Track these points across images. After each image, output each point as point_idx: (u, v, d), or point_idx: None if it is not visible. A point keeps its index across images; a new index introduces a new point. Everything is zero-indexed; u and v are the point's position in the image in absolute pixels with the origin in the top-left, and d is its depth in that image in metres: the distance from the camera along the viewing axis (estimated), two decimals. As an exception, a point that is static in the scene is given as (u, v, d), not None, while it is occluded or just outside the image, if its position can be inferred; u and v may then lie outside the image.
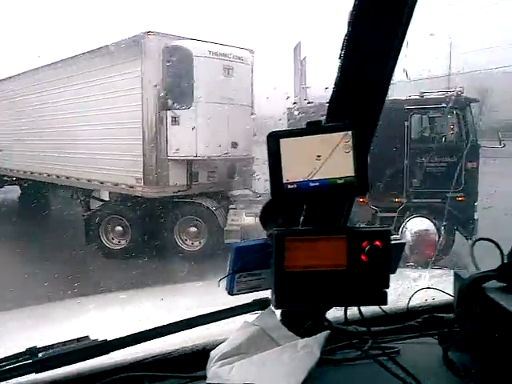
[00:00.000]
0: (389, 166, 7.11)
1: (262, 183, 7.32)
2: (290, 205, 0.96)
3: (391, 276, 1.29)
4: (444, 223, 6.29)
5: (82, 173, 9.12)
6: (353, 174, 0.88)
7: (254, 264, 0.97)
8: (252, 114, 8.50)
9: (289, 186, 0.89)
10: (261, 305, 1.02)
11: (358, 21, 0.89)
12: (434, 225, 2.47)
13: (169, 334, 0.99)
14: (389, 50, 0.93)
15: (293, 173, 0.89)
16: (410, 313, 1.36)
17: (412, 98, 7.72)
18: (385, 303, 0.93)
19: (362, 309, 1.40)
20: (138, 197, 8.10)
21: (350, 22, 0.90)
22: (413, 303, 1.39)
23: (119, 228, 8.36)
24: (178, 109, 7.84)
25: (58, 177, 9.98)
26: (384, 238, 0.89)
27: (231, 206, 8.34)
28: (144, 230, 8.01)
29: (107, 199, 9.13)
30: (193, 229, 8.21)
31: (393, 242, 1.29)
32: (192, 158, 8.03)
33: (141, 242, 7.86)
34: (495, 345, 0.78)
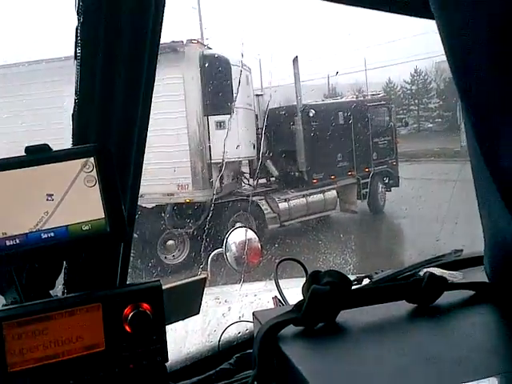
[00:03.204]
0: (360, 146, 9.59)
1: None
2: (20, 268, 0.67)
3: (197, 317, 1.11)
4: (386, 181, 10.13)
5: None
6: (102, 216, 0.64)
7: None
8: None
9: (7, 243, 0.60)
10: None
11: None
12: (255, 233, 2.47)
13: None
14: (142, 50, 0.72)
15: (12, 222, 0.61)
16: (223, 353, 1.20)
17: (367, 97, 10.81)
18: (165, 381, 0.72)
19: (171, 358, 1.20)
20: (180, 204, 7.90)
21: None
22: (225, 339, 1.24)
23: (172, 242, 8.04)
24: (221, 114, 7.98)
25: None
26: (154, 297, 0.67)
27: (259, 198, 8.77)
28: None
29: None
30: (244, 221, 8.31)
31: (191, 279, 1.11)
32: (237, 160, 8.51)
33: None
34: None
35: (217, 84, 7.96)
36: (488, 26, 0.45)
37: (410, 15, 1.14)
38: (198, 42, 8.16)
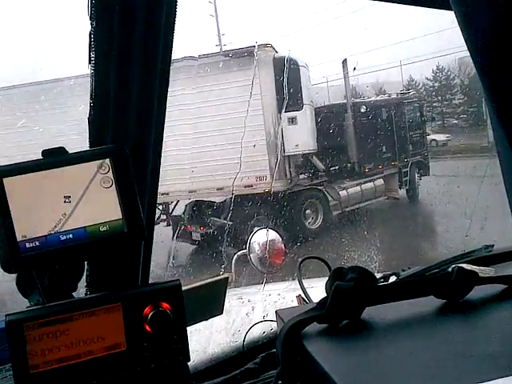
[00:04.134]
0: (399, 139, 10.63)
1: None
2: (40, 272, 0.67)
3: (221, 317, 1.11)
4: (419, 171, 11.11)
5: (195, 183, 8.81)
6: (120, 217, 0.64)
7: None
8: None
9: (27, 245, 0.61)
10: None
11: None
12: (278, 233, 2.47)
13: None
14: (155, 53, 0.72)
15: (31, 225, 0.61)
16: (248, 352, 1.19)
17: (402, 95, 11.88)
18: (188, 380, 0.71)
19: (196, 358, 1.19)
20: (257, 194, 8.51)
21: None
22: (250, 339, 1.23)
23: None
24: (293, 111, 8.89)
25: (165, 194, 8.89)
26: (174, 296, 0.66)
27: (320, 187, 9.65)
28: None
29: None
30: (313, 208, 9.41)
31: (213, 279, 1.10)
32: (307, 152, 9.35)
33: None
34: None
35: (287, 83, 8.56)
36: (506, 17, 0.43)
37: (428, 6, 1.11)
38: (270, 46, 8.95)
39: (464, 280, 0.73)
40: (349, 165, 10.02)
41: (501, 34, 0.44)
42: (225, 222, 8.39)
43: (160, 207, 9.57)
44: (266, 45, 8.83)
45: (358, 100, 11.47)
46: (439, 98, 23.99)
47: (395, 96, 12.01)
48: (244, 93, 8.35)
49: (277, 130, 8.94)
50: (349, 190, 9.66)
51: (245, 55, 8.54)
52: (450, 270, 0.83)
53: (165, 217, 9.63)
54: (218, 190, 8.80)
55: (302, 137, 9.14)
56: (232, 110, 8.50)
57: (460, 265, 1.01)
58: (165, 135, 0.80)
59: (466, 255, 1.13)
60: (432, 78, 24.65)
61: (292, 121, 9.07)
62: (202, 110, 8.74)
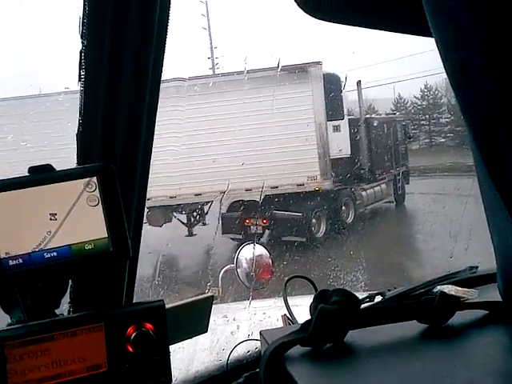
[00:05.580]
0: (394, 151, 12.50)
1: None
2: (23, 288, 0.67)
3: (205, 335, 1.10)
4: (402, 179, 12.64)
5: (246, 183, 9.47)
6: (105, 236, 0.64)
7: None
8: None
9: (10, 262, 0.60)
10: None
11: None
12: (266, 249, 2.45)
13: None
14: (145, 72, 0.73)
15: (15, 242, 0.61)
16: (232, 372, 1.18)
17: (390, 115, 14.32)
18: None
19: (179, 377, 1.18)
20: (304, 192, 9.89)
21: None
22: (234, 358, 1.22)
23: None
24: (336, 120, 10.42)
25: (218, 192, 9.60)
26: (157, 316, 0.66)
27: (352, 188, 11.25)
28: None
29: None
30: (346, 205, 10.91)
31: (198, 297, 1.10)
32: (347, 156, 10.77)
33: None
34: None
35: (333, 95, 10.14)
36: (484, 37, 0.44)
37: (410, 33, 1.14)
38: (321, 63, 10.25)
39: (446, 305, 0.74)
40: (362, 171, 11.54)
41: (479, 69, 0.46)
42: (296, 214, 9.61)
43: (197, 210, 10.67)
44: (317, 62, 10.18)
45: (367, 116, 13.14)
46: (427, 116, 24.39)
47: (385, 115, 14.14)
48: (298, 104, 9.82)
49: (325, 136, 10.27)
50: (367, 191, 11.35)
51: (300, 71, 9.91)
52: (434, 291, 0.84)
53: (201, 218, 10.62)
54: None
55: (343, 143, 10.70)
56: (291, 117, 9.86)
57: (444, 287, 1.02)
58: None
59: (450, 276, 1.15)
60: (420, 96, 25.09)
61: (336, 128, 10.56)
62: (262, 118, 9.69)
